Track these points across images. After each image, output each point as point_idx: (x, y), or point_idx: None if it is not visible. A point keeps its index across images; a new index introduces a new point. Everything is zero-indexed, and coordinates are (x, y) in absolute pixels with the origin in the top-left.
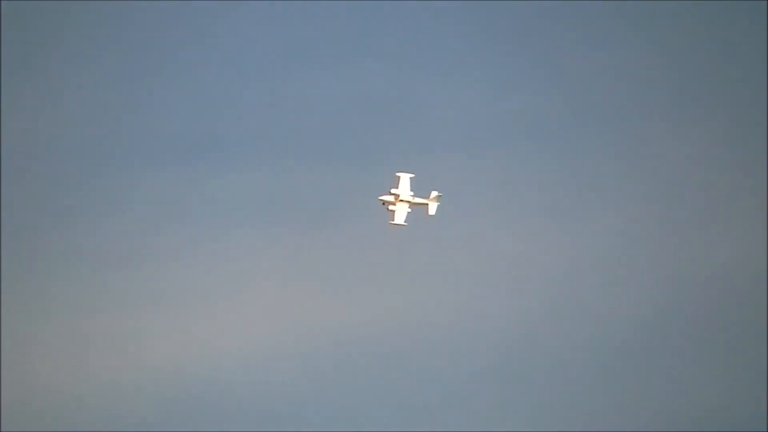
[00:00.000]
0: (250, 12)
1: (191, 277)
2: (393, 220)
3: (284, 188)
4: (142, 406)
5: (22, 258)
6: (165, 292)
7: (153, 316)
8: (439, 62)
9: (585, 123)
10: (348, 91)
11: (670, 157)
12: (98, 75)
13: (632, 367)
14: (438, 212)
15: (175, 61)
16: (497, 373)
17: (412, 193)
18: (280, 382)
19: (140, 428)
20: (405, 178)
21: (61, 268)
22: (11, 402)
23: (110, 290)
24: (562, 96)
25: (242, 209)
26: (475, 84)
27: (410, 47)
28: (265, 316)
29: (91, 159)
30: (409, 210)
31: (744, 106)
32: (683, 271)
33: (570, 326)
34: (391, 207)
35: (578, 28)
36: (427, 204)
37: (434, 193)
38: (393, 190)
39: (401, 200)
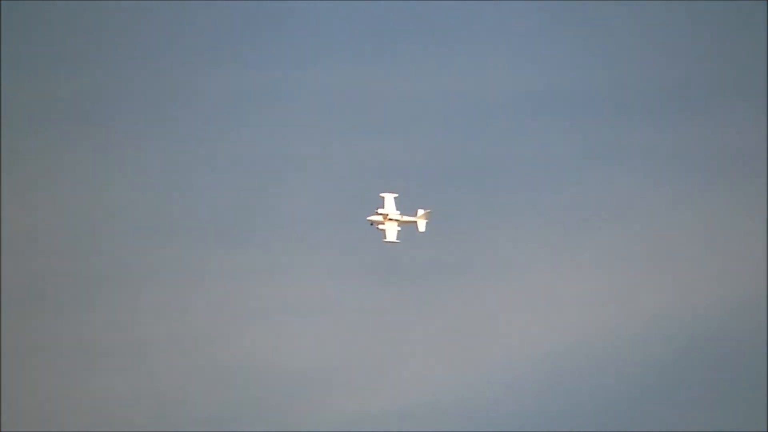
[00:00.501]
0: None
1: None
2: (386, 239)
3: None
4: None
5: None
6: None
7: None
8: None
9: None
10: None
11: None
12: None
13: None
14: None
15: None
16: None
17: (399, 212)
18: None
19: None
20: (389, 198)
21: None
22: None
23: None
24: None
25: None
26: None
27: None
28: None
29: None
30: (399, 228)
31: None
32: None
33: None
34: (380, 226)
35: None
36: (416, 222)
37: (420, 211)
38: (380, 210)
39: (390, 219)
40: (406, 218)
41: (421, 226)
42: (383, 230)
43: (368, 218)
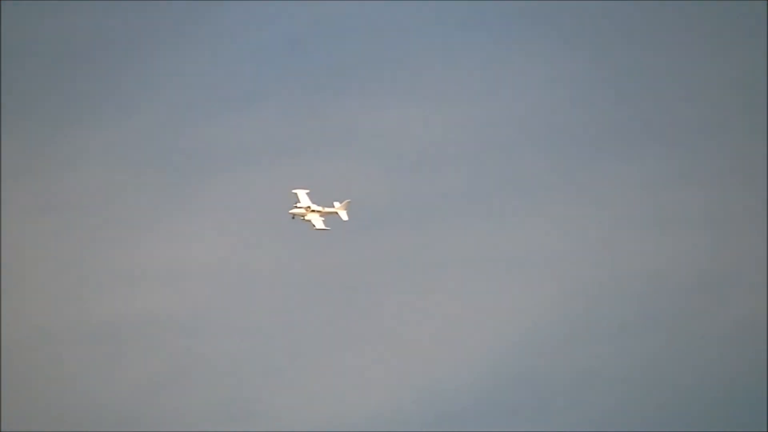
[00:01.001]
0: None
1: None
2: (316, 227)
3: None
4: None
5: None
6: None
7: None
8: None
9: None
10: None
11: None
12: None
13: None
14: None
15: None
16: None
17: (318, 205)
18: None
19: None
20: (302, 194)
21: None
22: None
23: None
24: None
25: None
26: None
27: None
28: None
29: None
30: (322, 218)
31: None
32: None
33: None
34: (307, 217)
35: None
36: (337, 212)
37: (338, 204)
38: (298, 204)
39: (312, 211)
40: (327, 209)
41: (343, 215)
42: (309, 221)
43: (290, 212)
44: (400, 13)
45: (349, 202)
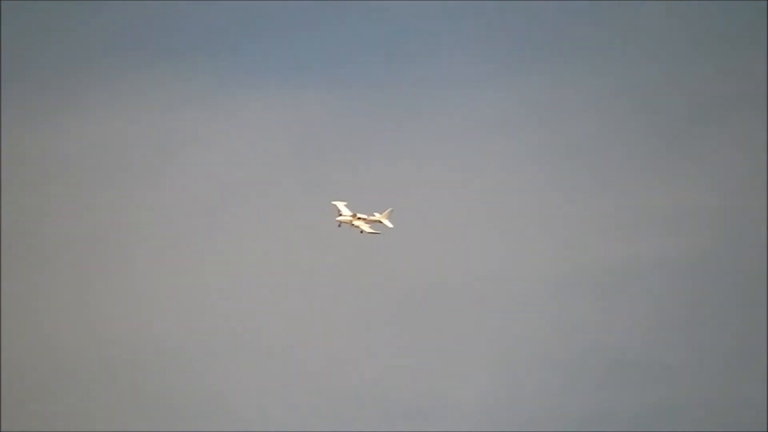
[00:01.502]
0: None
1: None
2: (365, 231)
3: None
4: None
5: None
6: None
7: None
8: None
9: None
10: None
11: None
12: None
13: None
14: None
15: None
16: None
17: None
18: None
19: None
20: (341, 205)
21: None
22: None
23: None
24: None
25: None
26: None
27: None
28: None
29: None
30: (368, 225)
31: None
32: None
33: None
34: (355, 223)
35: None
36: (381, 221)
37: (377, 214)
38: (343, 213)
39: (359, 218)
40: (372, 217)
41: (388, 223)
42: (357, 226)
43: (337, 219)
44: None
45: (391, 210)
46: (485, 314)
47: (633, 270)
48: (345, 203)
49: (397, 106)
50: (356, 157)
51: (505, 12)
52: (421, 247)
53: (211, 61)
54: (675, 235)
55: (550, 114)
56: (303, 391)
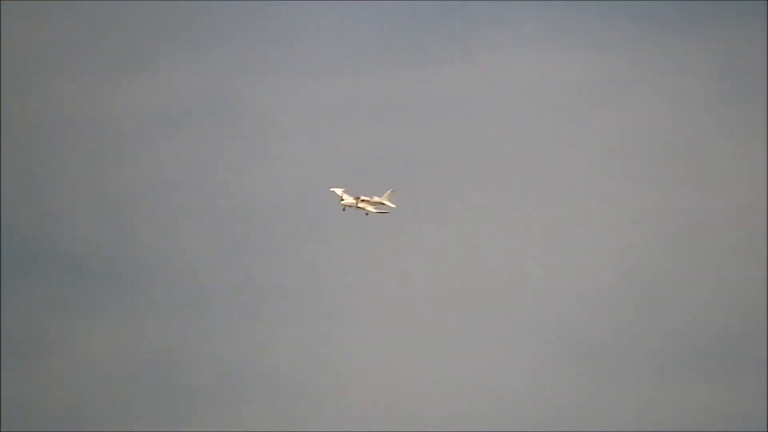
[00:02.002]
0: None
1: None
2: (374, 211)
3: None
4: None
5: None
6: None
7: None
8: None
9: None
10: None
11: None
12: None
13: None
14: None
15: None
16: None
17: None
18: None
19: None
20: (340, 191)
21: None
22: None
23: None
24: None
25: None
26: None
27: None
28: None
29: None
30: (373, 206)
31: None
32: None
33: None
34: (360, 205)
35: None
36: (383, 202)
37: (376, 197)
38: (345, 197)
39: (363, 200)
40: (376, 198)
41: (390, 203)
42: (363, 208)
43: (342, 202)
44: None
45: (392, 191)
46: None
47: None
48: (343, 189)
49: None
50: None
51: None
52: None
53: None
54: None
55: None
56: None
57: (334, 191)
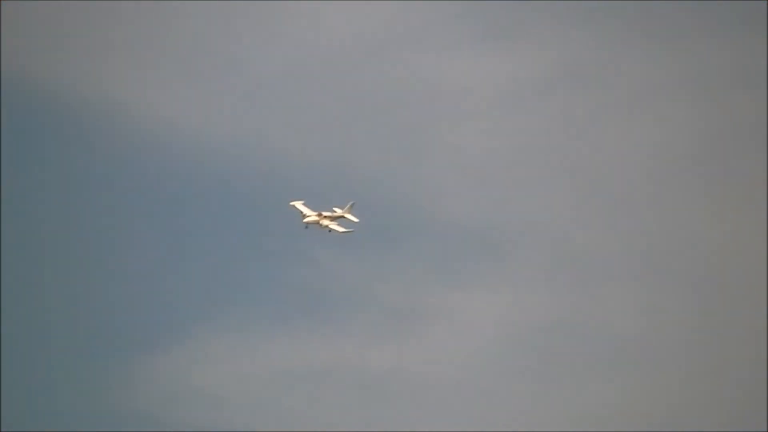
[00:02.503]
0: None
1: None
2: (339, 230)
3: None
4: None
5: None
6: None
7: None
8: None
9: None
10: None
11: None
12: None
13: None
14: None
15: None
16: None
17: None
18: None
19: None
20: (299, 205)
21: None
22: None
23: None
24: None
25: None
26: None
27: None
28: None
29: None
30: (335, 222)
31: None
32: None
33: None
34: (323, 223)
35: None
36: (344, 216)
37: (338, 210)
38: (307, 213)
39: (325, 216)
40: (338, 212)
41: (352, 217)
42: (326, 226)
43: (304, 221)
44: None
45: (352, 203)
46: None
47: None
48: (303, 201)
49: None
50: None
51: None
52: None
53: None
54: None
55: None
56: None
57: (294, 206)
